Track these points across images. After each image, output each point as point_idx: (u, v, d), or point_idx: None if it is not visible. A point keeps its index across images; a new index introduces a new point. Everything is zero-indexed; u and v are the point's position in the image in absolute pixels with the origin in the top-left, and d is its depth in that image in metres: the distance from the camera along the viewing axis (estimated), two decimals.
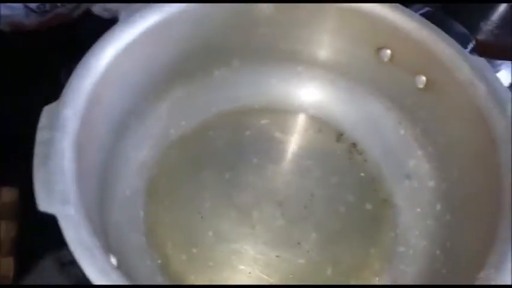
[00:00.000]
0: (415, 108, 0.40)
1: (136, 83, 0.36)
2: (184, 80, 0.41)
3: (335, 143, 0.43)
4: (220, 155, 0.41)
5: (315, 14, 0.39)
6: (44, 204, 0.25)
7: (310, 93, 0.44)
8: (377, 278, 0.37)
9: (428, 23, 0.36)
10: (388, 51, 0.39)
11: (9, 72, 0.45)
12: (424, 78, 0.38)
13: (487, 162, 0.33)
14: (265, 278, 0.36)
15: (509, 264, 0.27)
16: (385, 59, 0.39)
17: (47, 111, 0.28)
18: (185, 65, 0.39)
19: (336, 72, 0.43)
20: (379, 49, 0.39)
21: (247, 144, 0.42)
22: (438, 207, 0.38)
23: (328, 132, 0.43)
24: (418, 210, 0.39)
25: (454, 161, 0.36)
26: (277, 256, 0.37)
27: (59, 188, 0.26)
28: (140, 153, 0.38)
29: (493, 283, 0.27)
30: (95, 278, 0.23)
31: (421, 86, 0.38)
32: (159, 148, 0.40)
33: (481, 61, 0.35)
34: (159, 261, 0.35)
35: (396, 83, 0.40)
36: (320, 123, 0.43)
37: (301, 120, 0.43)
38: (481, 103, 0.34)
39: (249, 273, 0.36)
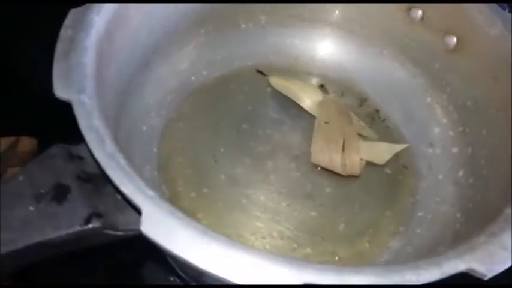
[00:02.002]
0: (443, 72, 0.39)
1: (165, 18, 0.36)
2: (211, 28, 0.41)
3: (357, 107, 0.42)
4: (239, 107, 0.40)
5: None
6: (61, 91, 0.25)
7: (335, 56, 0.43)
8: (390, 239, 0.35)
9: None
10: (420, 11, 0.38)
11: None
12: (454, 38, 0.37)
13: None
14: (274, 223, 0.34)
15: None
16: (416, 20, 0.39)
17: (73, 13, 0.28)
18: (214, 12, 0.39)
19: (364, 36, 0.42)
20: (409, 9, 0.39)
21: (267, 100, 0.41)
22: (461, 173, 0.36)
23: (351, 96, 0.42)
24: (440, 177, 0.38)
25: (482, 122, 0.35)
26: (288, 205, 0.35)
27: (76, 78, 0.25)
28: (159, 93, 0.38)
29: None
30: (103, 161, 0.23)
31: (451, 47, 0.37)
32: (178, 92, 0.39)
33: None
34: (169, 196, 0.34)
35: (425, 46, 0.39)
36: (343, 87, 0.43)
37: (324, 82, 0.43)
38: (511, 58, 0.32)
39: (258, 217, 0.35)
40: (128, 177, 0.23)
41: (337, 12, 0.42)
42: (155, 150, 0.36)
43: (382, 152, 0.38)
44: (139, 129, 0.36)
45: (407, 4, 0.39)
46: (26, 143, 0.44)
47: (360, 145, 0.38)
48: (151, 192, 0.22)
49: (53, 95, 0.25)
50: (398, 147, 0.39)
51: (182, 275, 0.35)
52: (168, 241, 0.21)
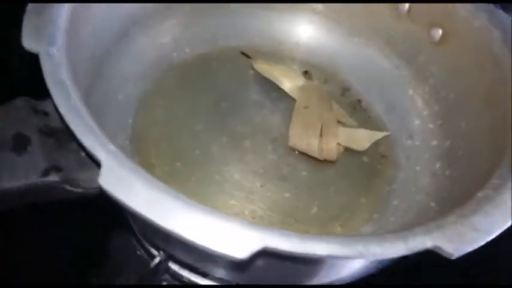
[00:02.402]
0: (427, 64, 0.39)
1: None
2: (197, 5, 0.40)
3: (340, 96, 0.41)
4: (221, 86, 0.40)
5: None
6: (29, 42, 0.24)
7: (320, 43, 0.43)
8: (363, 225, 0.34)
9: None
10: (406, 5, 0.38)
11: None
12: (440, 31, 0.37)
13: (498, 106, 0.31)
14: (247, 203, 0.34)
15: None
16: (403, 13, 0.39)
17: None
18: None
19: (350, 26, 0.42)
20: (396, 2, 0.39)
21: (249, 81, 0.41)
22: (438, 164, 0.36)
23: (334, 84, 0.42)
24: (417, 168, 0.37)
25: (462, 114, 0.35)
26: (261, 186, 0.35)
27: (47, 31, 0.25)
28: (138, 65, 0.37)
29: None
30: (66, 114, 0.22)
31: (436, 39, 0.37)
32: (158, 67, 0.39)
33: (497, 9, 0.34)
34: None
35: (410, 39, 0.39)
36: (327, 75, 0.42)
37: (308, 68, 0.42)
38: (495, 48, 0.32)
39: (232, 195, 0.34)
40: (90, 130, 0.22)
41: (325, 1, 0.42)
42: (130, 120, 0.36)
43: (362, 138, 0.38)
44: (114, 97, 0.35)
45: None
46: None
47: (340, 131, 0.38)
48: (112, 147, 0.21)
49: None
50: (378, 135, 0.38)
51: (148, 247, 0.34)
52: (127, 196, 0.20)
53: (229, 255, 0.19)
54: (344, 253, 0.21)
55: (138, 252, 0.36)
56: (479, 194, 0.25)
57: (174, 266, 0.33)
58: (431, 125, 0.38)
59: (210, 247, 0.19)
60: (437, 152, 0.37)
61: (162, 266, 0.32)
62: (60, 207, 0.26)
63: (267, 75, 0.41)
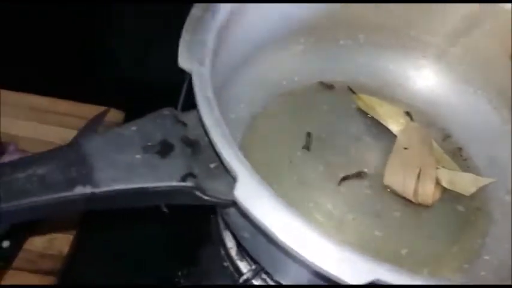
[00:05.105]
0: None
1: (274, 23, 0.38)
2: (312, 39, 0.42)
3: (440, 142, 0.42)
4: (323, 117, 0.41)
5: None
6: (184, 61, 0.27)
7: (426, 87, 0.43)
8: (452, 275, 0.34)
9: None
10: None
11: None
12: None
13: None
14: (337, 233, 0.35)
15: None
16: None
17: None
18: (316, 24, 0.41)
19: (460, 72, 0.42)
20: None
21: (351, 116, 0.42)
22: None
23: (435, 130, 0.42)
24: None
25: None
26: (353, 219, 0.36)
27: (199, 52, 0.28)
28: (253, 88, 0.40)
29: None
30: (210, 126, 0.25)
31: None
32: (269, 91, 0.41)
33: None
34: None
35: None
36: (429, 119, 0.43)
37: (411, 110, 0.43)
38: None
39: (322, 223, 0.35)
40: (230, 144, 0.24)
41: (437, 46, 0.42)
42: (238, 139, 0.38)
43: (467, 182, 0.38)
44: (227, 115, 0.38)
45: None
46: (114, 114, 0.48)
47: (444, 173, 0.38)
48: (247, 163, 0.24)
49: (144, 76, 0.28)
50: (484, 180, 0.38)
51: (235, 260, 0.36)
52: (260, 213, 0.22)
53: (347, 281, 0.20)
54: None
55: (225, 264, 0.38)
56: None
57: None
58: None
59: (333, 273, 0.21)
60: None
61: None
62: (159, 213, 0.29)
63: (370, 112, 0.42)
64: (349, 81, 0.44)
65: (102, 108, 0.47)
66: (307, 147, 0.39)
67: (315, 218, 0.35)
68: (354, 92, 0.43)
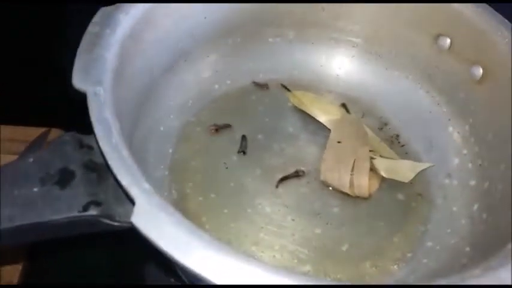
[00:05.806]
0: (467, 102, 0.38)
1: (194, 26, 0.37)
2: (239, 39, 0.42)
3: (378, 130, 0.41)
4: (258, 118, 0.41)
5: None
6: (78, 82, 0.26)
7: (359, 77, 0.43)
8: (395, 266, 0.34)
9: (488, 7, 0.35)
10: (448, 40, 0.38)
11: None
12: (481, 69, 0.36)
13: None
14: (278, 237, 0.34)
15: None
16: (444, 48, 0.38)
17: (102, 11, 0.30)
18: (242, 24, 0.40)
19: (390, 60, 0.42)
20: (438, 36, 0.38)
21: (287, 114, 0.42)
22: (475, 206, 0.35)
23: (372, 119, 0.42)
24: (454, 209, 0.37)
25: (503, 155, 0.34)
26: (292, 219, 0.35)
27: (96, 71, 0.27)
28: (181, 97, 0.39)
29: None
30: (107, 152, 0.24)
31: (477, 77, 0.37)
32: (200, 98, 0.40)
33: None
34: (176, 197, 0.35)
35: (451, 75, 0.39)
36: (365, 108, 0.42)
37: (346, 102, 0.42)
38: None
39: (262, 227, 0.35)
40: (128, 169, 0.23)
41: (364, 34, 0.42)
42: (170, 151, 0.37)
43: (406, 169, 0.38)
44: (157, 129, 0.37)
45: (436, 31, 0.38)
46: (57, 135, 0.46)
47: (382, 162, 0.37)
48: (147, 185, 0.23)
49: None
50: (422, 166, 0.38)
51: (182, 275, 0.35)
52: (157, 235, 0.22)
53: None
54: None
55: (172, 280, 0.37)
56: (508, 246, 0.25)
57: None
58: (470, 165, 0.38)
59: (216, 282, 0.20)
60: (475, 194, 0.36)
61: None
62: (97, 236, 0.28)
63: (304, 108, 0.41)
64: (284, 79, 0.43)
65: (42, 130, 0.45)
66: (242, 151, 0.38)
67: (254, 223, 0.35)
68: (288, 90, 0.42)
